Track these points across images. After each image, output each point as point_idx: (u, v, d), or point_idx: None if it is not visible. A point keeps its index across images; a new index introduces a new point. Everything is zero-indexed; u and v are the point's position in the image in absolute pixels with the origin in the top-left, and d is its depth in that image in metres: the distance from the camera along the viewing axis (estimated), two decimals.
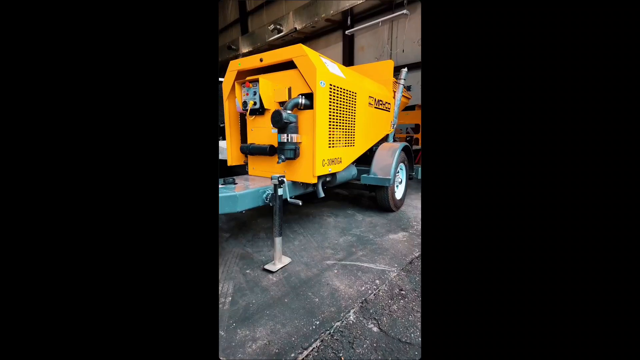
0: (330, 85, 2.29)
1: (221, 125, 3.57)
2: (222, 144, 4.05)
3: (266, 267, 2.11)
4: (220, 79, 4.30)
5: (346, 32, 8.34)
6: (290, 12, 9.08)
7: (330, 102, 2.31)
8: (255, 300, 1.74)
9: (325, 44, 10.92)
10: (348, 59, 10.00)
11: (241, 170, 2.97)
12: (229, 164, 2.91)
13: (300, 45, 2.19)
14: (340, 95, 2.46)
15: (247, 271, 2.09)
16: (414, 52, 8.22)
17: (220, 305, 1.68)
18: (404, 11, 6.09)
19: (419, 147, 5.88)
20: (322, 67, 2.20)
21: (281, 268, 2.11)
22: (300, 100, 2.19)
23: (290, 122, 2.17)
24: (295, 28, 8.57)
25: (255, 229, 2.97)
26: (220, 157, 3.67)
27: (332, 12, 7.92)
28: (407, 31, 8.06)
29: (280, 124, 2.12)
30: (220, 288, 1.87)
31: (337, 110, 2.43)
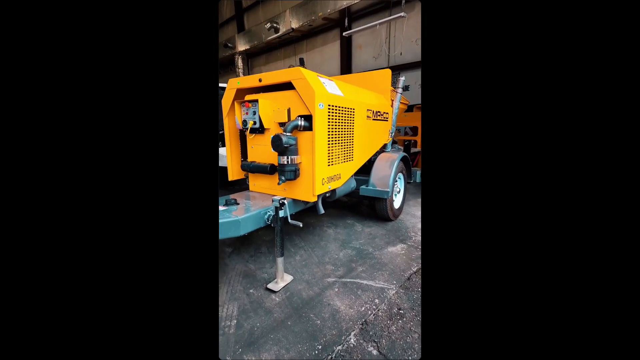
0: (329, 105, 2.32)
1: (220, 132, 3.59)
2: (222, 150, 4.08)
3: (269, 286, 2.18)
4: (221, 85, 4.27)
5: (344, 34, 8.27)
6: (286, 10, 8.98)
7: (329, 122, 2.35)
8: (260, 323, 1.81)
9: (322, 42, 10.84)
10: (346, 58, 9.95)
11: (241, 180, 3.00)
12: (229, 179, 2.95)
13: (299, 68, 2.21)
14: (339, 114, 2.49)
15: (251, 291, 2.16)
16: (412, 52, 8.19)
17: (226, 329, 1.75)
18: (402, 14, 6.04)
19: (417, 149, 5.91)
20: (321, 89, 2.23)
21: (283, 287, 2.18)
22: (299, 123, 2.23)
23: (290, 145, 2.21)
24: (292, 28, 8.49)
25: (257, 243, 3.03)
26: (220, 164, 3.71)
27: (329, 10, 7.85)
28: (405, 31, 8.02)
29: (281, 149, 2.17)
30: (225, 310, 1.94)
31: (336, 129, 2.47)
